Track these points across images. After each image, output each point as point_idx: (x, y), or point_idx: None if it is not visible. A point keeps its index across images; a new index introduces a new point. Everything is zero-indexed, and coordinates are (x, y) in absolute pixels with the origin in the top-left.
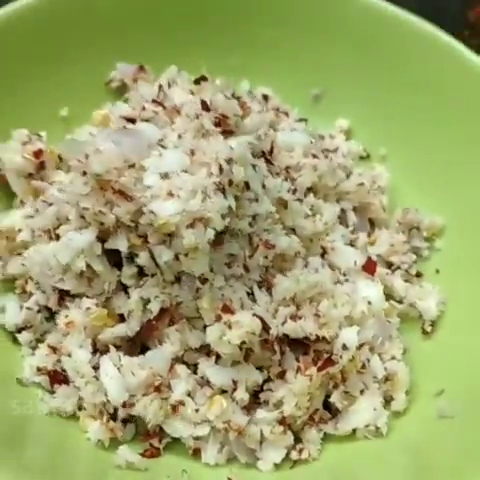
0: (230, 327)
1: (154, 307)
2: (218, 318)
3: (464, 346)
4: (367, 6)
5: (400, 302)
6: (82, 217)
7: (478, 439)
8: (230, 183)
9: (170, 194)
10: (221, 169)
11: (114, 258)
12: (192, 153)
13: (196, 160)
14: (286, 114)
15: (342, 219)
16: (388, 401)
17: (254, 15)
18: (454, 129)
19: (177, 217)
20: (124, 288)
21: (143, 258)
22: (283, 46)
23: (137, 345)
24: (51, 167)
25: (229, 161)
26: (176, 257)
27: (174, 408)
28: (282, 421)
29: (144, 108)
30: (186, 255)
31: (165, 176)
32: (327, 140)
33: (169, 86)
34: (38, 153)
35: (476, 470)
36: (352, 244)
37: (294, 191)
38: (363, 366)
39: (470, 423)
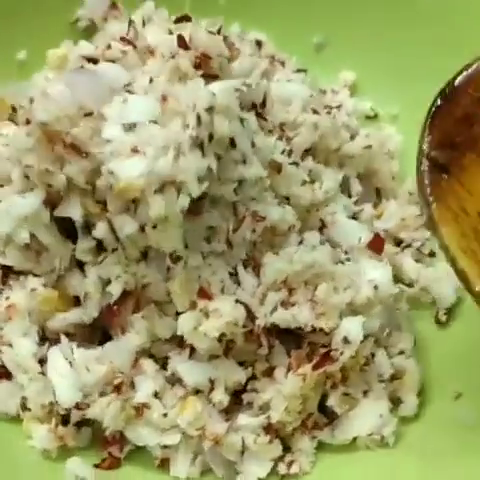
0: (207, 315)
1: (115, 289)
2: (193, 305)
3: None
4: None
5: (410, 286)
6: (26, 177)
7: None
8: (210, 138)
9: (135, 150)
10: (199, 120)
11: (67, 228)
12: (164, 99)
13: (169, 108)
14: (282, 64)
15: (344, 187)
16: (396, 404)
17: None
18: None
19: (143, 180)
20: (79, 265)
21: (101, 230)
22: None
23: (95, 334)
24: (2, 118)
25: (210, 110)
26: (142, 229)
27: (138, 411)
28: (268, 428)
29: (110, 46)
30: (154, 227)
31: (129, 128)
32: (329, 95)
33: (143, 24)
34: None
35: None
36: (356, 217)
37: (289, 153)
38: (366, 362)
39: None
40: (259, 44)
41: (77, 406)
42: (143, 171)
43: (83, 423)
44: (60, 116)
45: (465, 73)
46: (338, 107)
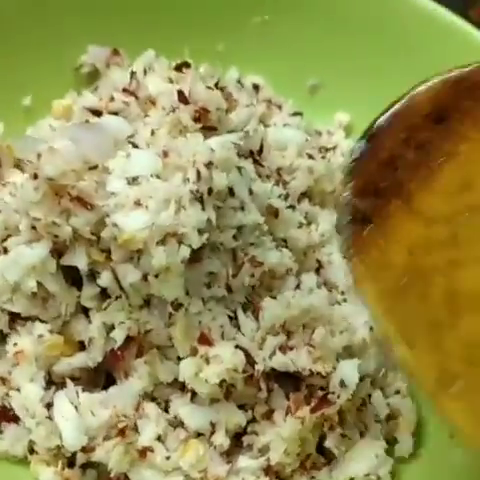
0: (208, 362)
1: (119, 335)
2: (194, 350)
3: None
4: None
5: None
6: (34, 228)
7: None
8: (209, 192)
9: (138, 203)
10: (199, 175)
11: (72, 275)
12: (165, 155)
13: (170, 163)
14: (279, 107)
15: (338, 229)
16: (391, 444)
17: None
18: None
19: (145, 232)
20: (84, 310)
21: (105, 278)
22: (276, 30)
23: (99, 377)
24: (7, 165)
25: (209, 165)
26: (144, 278)
27: (141, 454)
28: (268, 470)
29: (113, 98)
30: (156, 276)
31: (133, 181)
32: (324, 136)
33: (145, 73)
34: None
35: None
36: None
37: (286, 197)
38: (363, 403)
39: None
40: (256, 88)
41: (83, 449)
42: (146, 224)
43: (88, 465)
44: (66, 170)
45: (389, 112)
46: (333, 148)
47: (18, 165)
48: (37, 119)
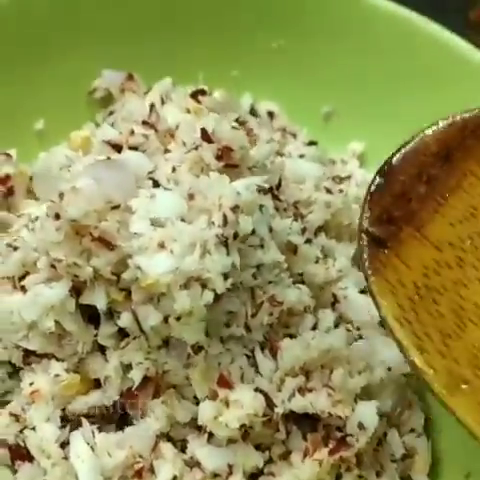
0: (228, 405)
1: (136, 375)
2: (213, 394)
3: None
4: (386, 14)
5: None
6: (53, 266)
7: None
8: (235, 236)
9: (162, 246)
10: (225, 219)
11: (89, 312)
12: (191, 197)
13: (195, 205)
14: (294, 136)
15: (355, 261)
16: None
17: (258, 22)
18: None
19: (170, 276)
20: (101, 348)
21: (125, 319)
22: (290, 56)
23: (115, 415)
24: (21, 193)
25: (235, 209)
26: (165, 320)
27: None
28: None
29: (133, 132)
30: (177, 319)
31: (156, 223)
32: (338, 166)
33: (162, 102)
34: (5, 179)
35: None
36: (366, 291)
37: (303, 230)
38: (379, 442)
39: None
40: (271, 115)
41: None
42: (170, 268)
43: None
44: (89, 211)
45: (402, 151)
46: (348, 177)
47: (30, 191)
48: (50, 143)
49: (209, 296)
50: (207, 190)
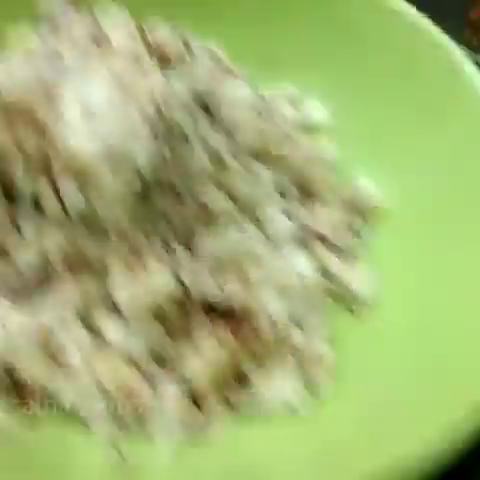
0: (141, 286)
1: (53, 254)
2: (129, 274)
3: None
4: None
5: (331, 282)
6: None
7: None
8: (167, 129)
9: (92, 132)
10: (158, 109)
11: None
12: (123, 87)
13: (127, 94)
14: (234, 76)
15: (281, 189)
16: (310, 387)
17: None
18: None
19: (98, 158)
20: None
21: (51, 204)
22: None
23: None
24: None
25: (167, 101)
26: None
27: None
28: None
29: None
30: (102, 203)
31: (88, 111)
32: (272, 104)
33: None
34: None
35: None
36: (289, 217)
37: (235, 152)
38: (284, 340)
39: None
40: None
41: None
42: (99, 151)
43: None
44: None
45: None
46: (280, 115)
47: None
48: None
49: (136, 182)
50: (140, 82)
